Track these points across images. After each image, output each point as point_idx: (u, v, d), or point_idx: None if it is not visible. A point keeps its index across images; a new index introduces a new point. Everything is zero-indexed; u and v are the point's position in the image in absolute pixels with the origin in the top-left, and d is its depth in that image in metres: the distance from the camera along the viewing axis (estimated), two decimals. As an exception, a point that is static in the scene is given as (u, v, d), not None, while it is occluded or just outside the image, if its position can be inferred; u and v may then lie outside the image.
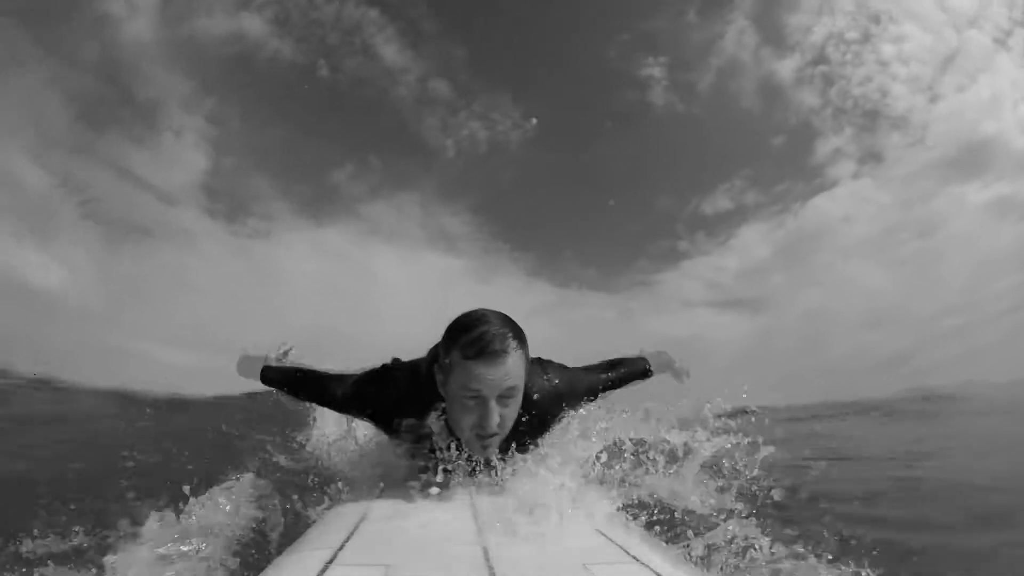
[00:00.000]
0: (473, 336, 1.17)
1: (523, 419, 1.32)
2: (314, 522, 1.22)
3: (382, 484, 1.52)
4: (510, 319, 1.26)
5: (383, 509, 1.20)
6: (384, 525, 1.06)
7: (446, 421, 1.33)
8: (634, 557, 0.87)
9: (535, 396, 1.33)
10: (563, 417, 1.49)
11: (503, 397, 1.20)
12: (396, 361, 1.50)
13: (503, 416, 1.21)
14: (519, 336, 1.22)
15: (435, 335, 1.31)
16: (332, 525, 1.06)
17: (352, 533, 0.98)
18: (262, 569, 0.87)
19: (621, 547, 0.93)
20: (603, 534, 1.02)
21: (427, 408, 1.33)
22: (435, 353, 1.32)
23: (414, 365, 1.42)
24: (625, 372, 1.70)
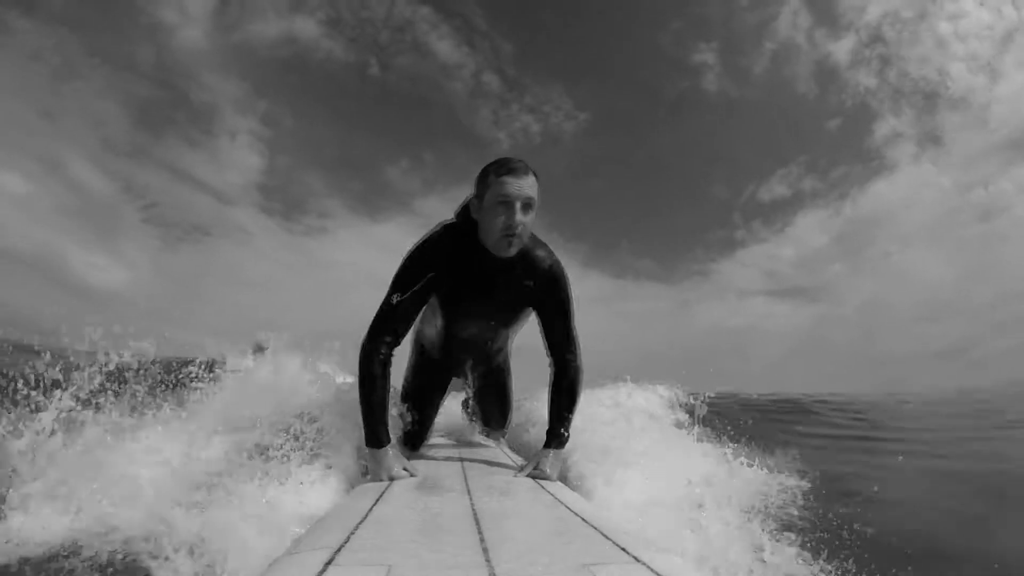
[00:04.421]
0: (503, 160, 1.62)
1: (547, 260, 1.75)
2: (315, 522, 1.22)
3: (386, 484, 1.53)
4: None
5: (383, 509, 1.20)
6: (384, 525, 1.06)
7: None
8: (634, 557, 0.87)
9: (550, 251, 1.78)
10: (563, 284, 1.79)
11: (524, 206, 1.59)
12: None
13: (523, 222, 1.60)
14: (533, 170, 1.62)
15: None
16: (332, 525, 1.06)
17: (352, 533, 0.98)
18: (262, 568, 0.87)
19: (621, 547, 0.93)
20: (603, 534, 1.02)
21: (458, 244, 1.71)
22: (465, 203, 1.72)
23: (451, 221, 1.77)
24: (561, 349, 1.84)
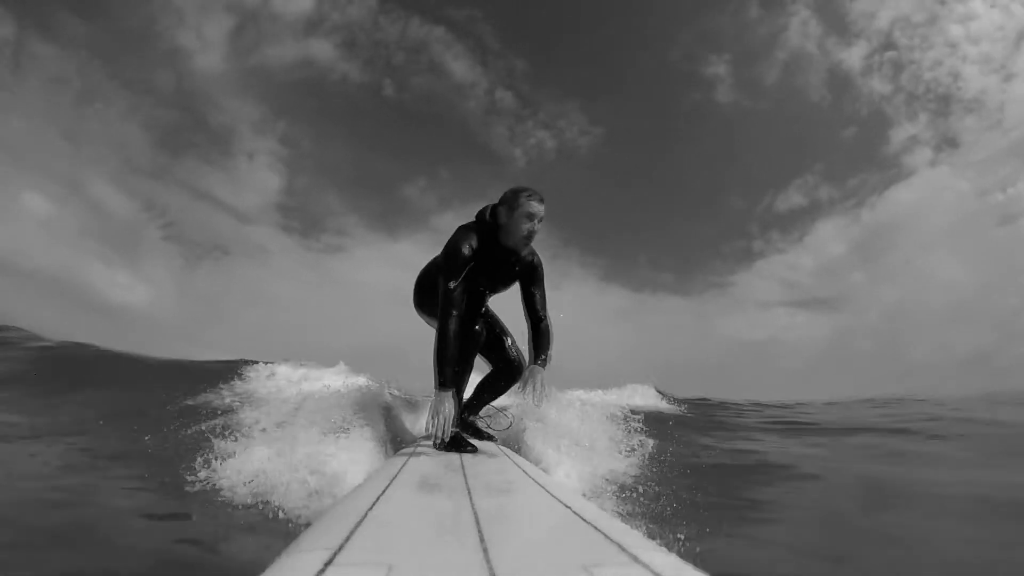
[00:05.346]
0: (530, 190, 2.49)
1: (530, 256, 2.66)
2: (314, 521, 1.22)
3: (387, 482, 1.53)
4: None
5: (383, 509, 1.20)
6: (384, 525, 1.06)
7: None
8: (634, 557, 0.87)
9: (533, 250, 2.67)
10: (539, 268, 2.73)
11: (540, 220, 2.50)
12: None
13: (537, 231, 2.51)
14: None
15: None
16: (332, 525, 1.06)
17: (352, 533, 0.98)
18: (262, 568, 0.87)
19: (621, 547, 0.93)
20: (603, 534, 1.02)
21: (481, 241, 2.51)
22: (483, 211, 2.59)
23: (471, 223, 2.61)
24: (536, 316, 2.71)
